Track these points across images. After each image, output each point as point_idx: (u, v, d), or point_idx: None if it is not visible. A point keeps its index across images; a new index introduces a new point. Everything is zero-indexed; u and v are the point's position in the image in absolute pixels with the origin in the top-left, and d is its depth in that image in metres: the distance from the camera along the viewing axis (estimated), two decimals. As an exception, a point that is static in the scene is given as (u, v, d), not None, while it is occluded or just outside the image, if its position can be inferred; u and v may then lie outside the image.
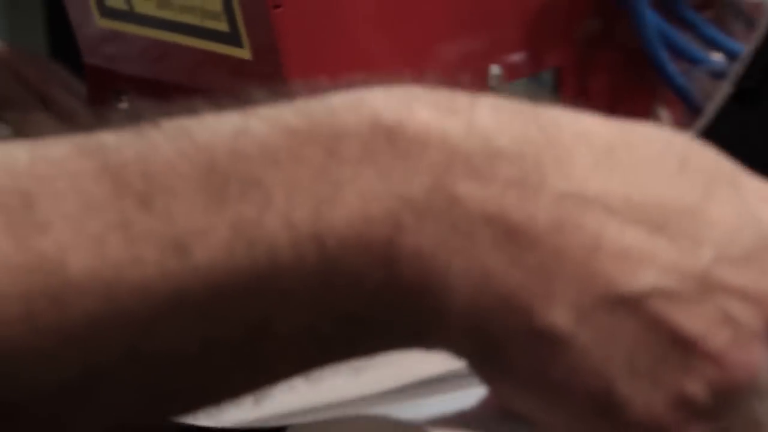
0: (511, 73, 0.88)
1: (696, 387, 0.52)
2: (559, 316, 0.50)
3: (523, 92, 0.90)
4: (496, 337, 0.50)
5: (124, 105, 0.86)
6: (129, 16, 0.82)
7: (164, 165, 0.47)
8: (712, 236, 0.52)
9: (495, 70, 0.87)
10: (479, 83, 0.87)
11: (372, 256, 0.48)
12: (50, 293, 0.45)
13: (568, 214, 0.50)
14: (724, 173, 0.55)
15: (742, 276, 0.52)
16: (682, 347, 0.51)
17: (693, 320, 0.51)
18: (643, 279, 0.50)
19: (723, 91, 0.77)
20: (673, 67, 0.90)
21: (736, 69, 0.76)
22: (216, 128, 0.48)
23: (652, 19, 0.89)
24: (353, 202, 0.48)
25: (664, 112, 0.95)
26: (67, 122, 0.90)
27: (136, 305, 0.46)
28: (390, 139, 0.48)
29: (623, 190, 0.52)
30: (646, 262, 0.51)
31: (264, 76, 0.77)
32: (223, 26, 0.77)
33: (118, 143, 0.48)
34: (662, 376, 0.52)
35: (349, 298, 0.49)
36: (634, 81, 0.94)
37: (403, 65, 0.83)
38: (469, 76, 0.85)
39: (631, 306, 0.51)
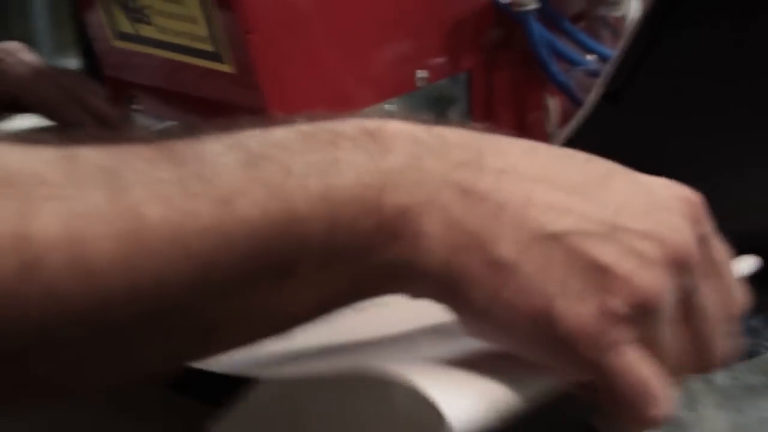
0: (434, 75, 0.87)
1: (614, 302, 0.54)
2: (506, 249, 0.53)
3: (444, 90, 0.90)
4: (460, 271, 0.53)
5: (136, 107, 0.85)
6: (136, 38, 0.81)
7: (210, 152, 0.50)
8: (616, 199, 0.56)
9: (421, 73, 0.86)
10: (409, 84, 0.86)
11: (365, 211, 0.51)
12: (132, 236, 0.46)
13: (506, 181, 0.54)
14: (620, 168, 0.59)
15: (642, 223, 0.56)
16: (601, 272, 0.54)
17: (606, 252, 0.54)
18: (565, 222, 0.54)
19: (595, 91, 0.75)
20: (556, 68, 0.89)
21: (605, 73, 0.75)
22: (248, 133, 0.52)
23: (539, 30, 0.88)
24: (350, 174, 0.51)
25: (552, 103, 0.95)
26: (100, 122, 0.88)
27: (196, 246, 0.48)
28: (374, 137, 0.53)
29: (545, 170, 0.56)
30: (566, 211, 0.55)
31: (244, 86, 0.76)
32: (209, 47, 0.76)
33: (178, 144, 0.51)
34: (588, 294, 0.54)
35: (349, 243, 0.51)
36: (529, 78, 0.94)
37: (351, 68, 0.82)
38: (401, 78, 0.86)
39: (558, 241, 0.54)
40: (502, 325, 0.55)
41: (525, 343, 0.55)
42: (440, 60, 0.88)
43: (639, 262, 0.55)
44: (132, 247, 0.47)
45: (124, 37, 0.81)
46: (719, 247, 0.61)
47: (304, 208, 0.50)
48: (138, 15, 0.78)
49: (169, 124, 0.87)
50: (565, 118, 0.94)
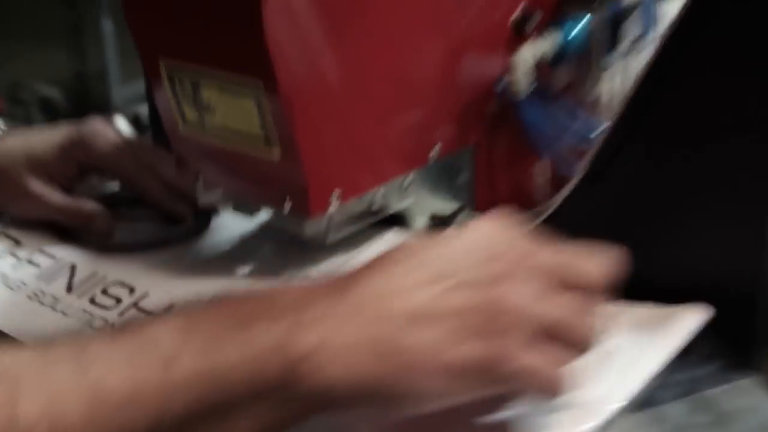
0: (444, 150, 0.88)
1: (493, 326, 0.56)
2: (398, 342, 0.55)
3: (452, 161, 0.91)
4: (374, 380, 0.55)
5: (199, 181, 0.85)
6: (200, 126, 0.81)
7: (153, 329, 0.55)
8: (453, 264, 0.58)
9: (434, 152, 0.87)
10: (423, 158, 0.87)
11: (276, 360, 0.54)
12: (96, 402, 0.51)
13: (372, 300, 0.57)
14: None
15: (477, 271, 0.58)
16: (470, 313, 0.56)
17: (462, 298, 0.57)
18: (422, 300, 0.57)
19: (579, 170, 0.76)
20: (545, 143, 0.90)
21: (588, 156, 0.76)
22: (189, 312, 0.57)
23: (531, 113, 0.89)
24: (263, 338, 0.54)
25: (542, 171, 0.95)
26: (170, 189, 0.88)
27: (146, 402, 0.52)
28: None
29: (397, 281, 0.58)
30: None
31: (288, 168, 0.77)
32: (260, 135, 0.78)
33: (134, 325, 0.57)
34: (471, 334, 0.56)
35: (267, 385, 0.54)
36: (523, 151, 0.94)
37: (377, 148, 0.83)
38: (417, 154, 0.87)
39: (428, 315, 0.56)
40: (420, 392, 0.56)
41: (456, 391, 0.57)
42: (450, 137, 0.88)
43: (487, 289, 0.57)
44: (96, 411, 0.51)
45: (191, 124, 0.82)
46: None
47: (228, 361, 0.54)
48: (204, 107, 0.79)
49: (226, 195, 0.88)
50: (553, 183, 0.94)
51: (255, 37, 0.70)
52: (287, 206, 0.79)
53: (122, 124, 1.93)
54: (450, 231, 0.63)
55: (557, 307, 0.59)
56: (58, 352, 0.53)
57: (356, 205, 0.82)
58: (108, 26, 3.92)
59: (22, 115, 3.48)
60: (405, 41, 0.81)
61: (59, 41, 4.10)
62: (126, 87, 3.89)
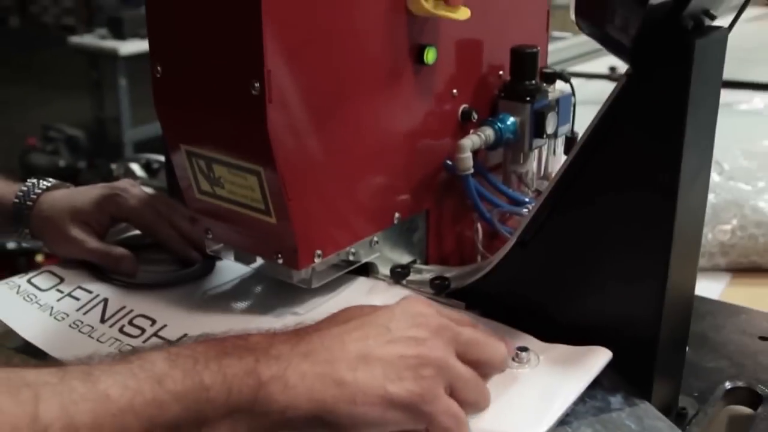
0: (404, 215, 0.91)
1: (423, 371, 0.62)
2: (345, 375, 0.61)
3: (410, 222, 0.94)
4: (323, 403, 0.60)
5: (209, 236, 0.89)
6: (212, 195, 0.84)
7: (149, 354, 0.59)
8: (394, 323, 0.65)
9: (397, 215, 0.91)
10: (388, 222, 0.90)
11: (249, 379, 0.59)
12: (101, 409, 0.55)
13: (330, 340, 0.63)
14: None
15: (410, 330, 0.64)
16: (404, 358, 0.62)
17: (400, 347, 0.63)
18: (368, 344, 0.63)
19: (511, 239, 0.80)
20: (483, 208, 0.94)
21: (518, 228, 0.79)
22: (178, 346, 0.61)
23: (473, 185, 0.92)
24: (237, 360, 0.59)
25: (480, 229, 0.98)
26: (184, 237, 0.90)
27: (141, 411, 0.56)
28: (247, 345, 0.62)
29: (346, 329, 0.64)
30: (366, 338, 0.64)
31: (282, 231, 0.80)
32: (261, 206, 0.80)
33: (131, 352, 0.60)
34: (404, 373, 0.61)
35: (241, 400, 0.58)
36: (465, 213, 0.98)
37: (353, 216, 0.86)
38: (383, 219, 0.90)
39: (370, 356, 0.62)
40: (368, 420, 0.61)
41: (388, 422, 0.61)
42: (409, 204, 0.91)
43: (417, 344, 0.63)
44: (101, 415, 0.54)
45: (204, 193, 0.85)
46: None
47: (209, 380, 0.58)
48: (215, 181, 0.82)
49: (229, 247, 0.91)
50: (488, 239, 0.98)
51: (260, 136, 0.74)
52: (280, 260, 0.83)
53: (137, 169, 1.96)
54: (392, 304, 0.68)
55: (465, 370, 0.65)
56: (71, 369, 0.57)
57: (335, 258, 0.86)
58: (123, 81, 3.96)
59: (51, 150, 3.47)
60: (374, 128, 0.84)
61: (83, 92, 4.12)
62: (136, 130, 3.94)
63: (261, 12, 0.70)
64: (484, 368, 0.68)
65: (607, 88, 0.69)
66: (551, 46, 0.68)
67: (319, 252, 0.82)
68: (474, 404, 0.66)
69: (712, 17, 0.68)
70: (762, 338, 0.92)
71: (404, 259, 0.95)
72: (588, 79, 2.31)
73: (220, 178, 0.82)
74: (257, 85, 0.72)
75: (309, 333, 0.64)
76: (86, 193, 0.98)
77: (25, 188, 0.98)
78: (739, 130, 1.85)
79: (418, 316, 0.66)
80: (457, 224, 0.99)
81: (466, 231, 1.00)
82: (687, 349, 0.87)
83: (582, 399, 0.73)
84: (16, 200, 0.98)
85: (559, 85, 1.00)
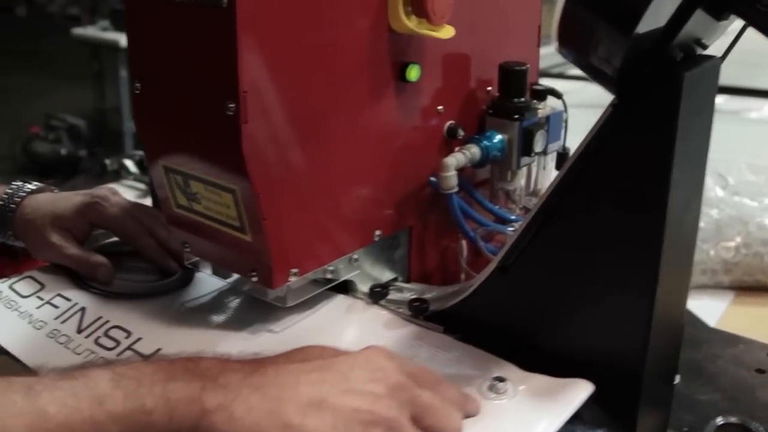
0: (385, 232, 0.89)
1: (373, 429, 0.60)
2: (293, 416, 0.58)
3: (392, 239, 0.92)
4: None
5: (186, 249, 0.86)
6: (189, 210, 0.83)
7: (94, 374, 0.58)
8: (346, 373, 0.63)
9: (378, 232, 0.88)
10: (369, 239, 0.88)
11: (192, 405, 0.57)
12: (37, 424, 0.54)
13: (283, 376, 0.61)
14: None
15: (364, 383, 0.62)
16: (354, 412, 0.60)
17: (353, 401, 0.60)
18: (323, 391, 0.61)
19: (493, 262, 0.78)
20: (467, 227, 0.91)
21: (500, 253, 0.77)
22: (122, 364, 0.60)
23: (458, 202, 0.89)
24: (180, 384, 0.58)
25: (464, 247, 0.96)
26: (163, 246, 0.88)
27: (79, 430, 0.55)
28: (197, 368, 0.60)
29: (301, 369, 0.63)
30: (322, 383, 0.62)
31: (257, 249, 0.78)
32: (236, 223, 0.78)
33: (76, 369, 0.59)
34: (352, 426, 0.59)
35: (183, 425, 0.57)
36: (449, 230, 0.95)
37: (332, 233, 0.83)
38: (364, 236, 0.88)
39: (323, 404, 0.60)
40: None
41: None
42: (391, 221, 0.89)
43: (373, 400, 0.61)
44: (36, 430, 0.53)
45: (181, 207, 0.83)
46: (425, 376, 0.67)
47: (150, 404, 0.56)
48: (192, 196, 0.80)
49: (207, 264, 0.90)
50: (474, 255, 0.95)
51: (235, 156, 0.72)
52: (254, 278, 0.80)
53: (130, 165, 1.93)
54: (355, 352, 0.67)
55: None
56: (15, 381, 0.56)
57: (312, 276, 0.84)
58: (123, 72, 3.93)
59: (53, 139, 3.46)
60: (355, 146, 0.82)
61: (85, 82, 4.11)
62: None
63: (236, 33, 0.68)
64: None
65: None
66: (553, 48, 0.66)
67: (294, 270, 0.80)
68: None
69: (704, 46, 0.66)
70: (759, 371, 0.90)
71: (386, 276, 0.93)
72: (590, 81, 2.24)
73: (197, 194, 0.80)
74: (232, 105, 0.70)
75: (264, 365, 0.62)
76: (68, 200, 0.97)
77: (10, 190, 0.98)
78: (747, 140, 1.80)
79: (379, 371, 0.64)
80: (442, 241, 0.97)
81: (450, 248, 0.98)
82: (679, 379, 0.85)
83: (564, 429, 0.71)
84: (1, 202, 0.97)
85: (552, 101, 0.97)
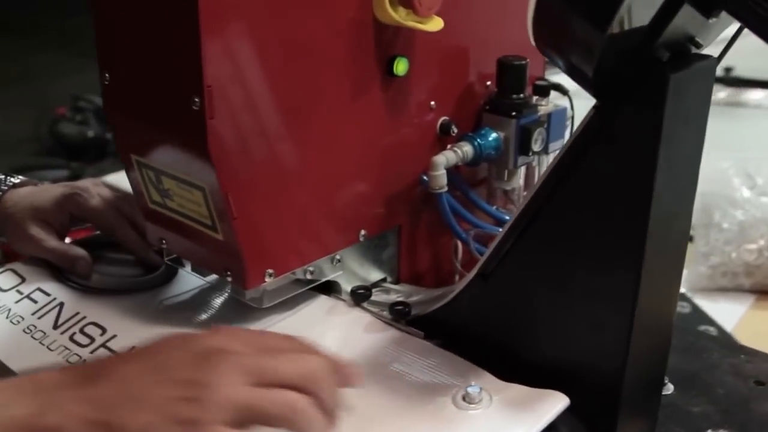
0: (371, 232, 0.86)
1: None
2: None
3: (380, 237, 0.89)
4: None
5: (162, 245, 0.84)
6: (163, 206, 0.80)
7: None
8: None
9: (363, 232, 0.85)
10: (353, 238, 0.85)
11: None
12: None
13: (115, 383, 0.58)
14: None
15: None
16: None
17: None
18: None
19: (474, 270, 0.74)
20: (459, 228, 0.88)
21: (482, 258, 0.74)
22: None
23: (449, 201, 0.86)
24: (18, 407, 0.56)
25: (458, 248, 0.93)
26: (143, 236, 0.84)
27: None
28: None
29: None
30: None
31: (229, 250, 0.75)
32: (208, 222, 0.75)
33: None
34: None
35: None
36: (443, 230, 0.91)
37: (310, 232, 0.80)
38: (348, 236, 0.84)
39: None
40: None
41: None
42: (378, 220, 0.86)
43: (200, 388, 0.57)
44: None
45: (155, 203, 0.81)
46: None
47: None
48: (164, 193, 0.78)
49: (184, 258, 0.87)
50: (469, 256, 0.91)
51: (201, 153, 0.69)
52: (229, 277, 0.77)
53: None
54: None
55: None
56: None
57: (289, 278, 0.81)
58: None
59: (80, 120, 3.45)
60: (336, 143, 0.79)
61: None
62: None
63: (198, 23, 0.65)
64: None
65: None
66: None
67: (270, 271, 0.77)
68: (303, 377, 0.60)
69: (698, 45, 0.61)
70: (758, 383, 0.85)
71: (373, 276, 0.90)
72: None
73: (169, 191, 0.77)
74: (197, 100, 0.67)
75: (98, 372, 0.59)
76: (48, 192, 0.94)
77: None
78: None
79: (213, 356, 0.59)
80: (434, 241, 0.93)
81: (444, 248, 0.94)
82: (673, 389, 0.82)
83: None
84: None
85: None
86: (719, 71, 2.14)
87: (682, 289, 1.37)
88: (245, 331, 0.66)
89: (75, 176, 3.07)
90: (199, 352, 0.59)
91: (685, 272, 1.38)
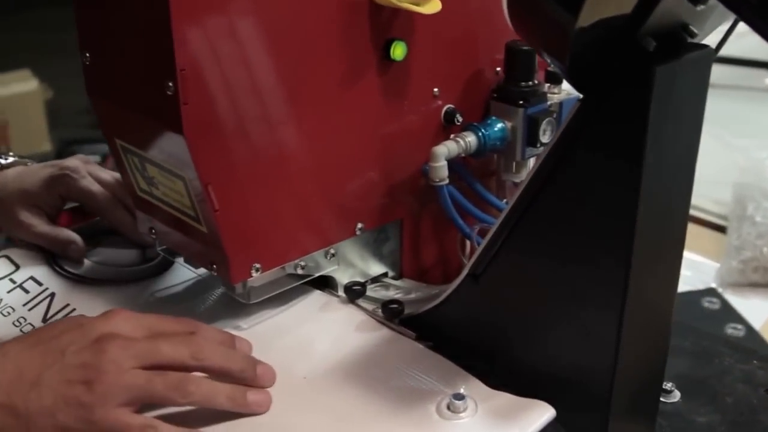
0: (370, 225, 0.82)
1: None
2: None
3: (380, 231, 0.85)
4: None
5: (152, 234, 0.82)
6: (149, 194, 0.78)
7: None
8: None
9: (360, 225, 0.82)
10: (350, 232, 0.82)
11: None
12: None
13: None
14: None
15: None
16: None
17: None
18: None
19: (464, 270, 0.71)
20: (462, 222, 0.83)
21: (473, 258, 0.70)
22: None
23: (451, 194, 0.82)
24: None
25: (465, 243, 0.89)
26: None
27: None
28: None
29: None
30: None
31: (212, 242, 0.73)
32: (191, 212, 0.73)
33: None
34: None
35: None
36: (447, 223, 0.87)
37: (301, 224, 0.77)
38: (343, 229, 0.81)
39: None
40: None
41: None
42: (377, 213, 0.83)
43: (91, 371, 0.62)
44: None
45: (143, 191, 0.79)
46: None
47: None
48: (150, 181, 0.76)
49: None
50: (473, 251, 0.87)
51: (177, 140, 0.66)
52: (214, 271, 0.75)
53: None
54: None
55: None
56: None
57: (278, 272, 0.78)
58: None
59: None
60: (327, 131, 0.75)
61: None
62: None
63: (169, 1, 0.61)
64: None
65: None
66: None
67: (257, 265, 0.75)
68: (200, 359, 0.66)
69: (692, 34, 0.57)
70: (768, 391, 0.80)
71: (374, 270, 0.87)
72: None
73: (154, 179, 0.75)
74: (171, 84, 0.64)
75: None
76: (36, 174, 0.92)
77: None
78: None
79: (104, 340, 0.64)
80: (439, 235, 0.90)
81: (449, 243, 0.91)
82: (679, 397, 0.78)
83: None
84: None
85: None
86: (762, 55, 2.05)
87: (713, 284, 1.32)
88: (139, 315, 0.69)
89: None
90: (93, 338, 0.63)
91: (716, 266, 1.36)
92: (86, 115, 3.66)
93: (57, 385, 0.61)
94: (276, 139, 0.72)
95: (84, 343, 0.63)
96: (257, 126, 0.70)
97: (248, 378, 0.68)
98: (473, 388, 0.69)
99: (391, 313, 0.78)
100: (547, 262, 0.64)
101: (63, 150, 3.11)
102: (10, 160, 0.95)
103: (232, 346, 0.72)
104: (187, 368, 0.66)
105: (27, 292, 0.88)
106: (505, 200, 0.89)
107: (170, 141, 0.68)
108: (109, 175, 0.94)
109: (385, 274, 0.87)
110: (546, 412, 0.66)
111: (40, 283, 0.88)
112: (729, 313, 1.27)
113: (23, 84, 3.35)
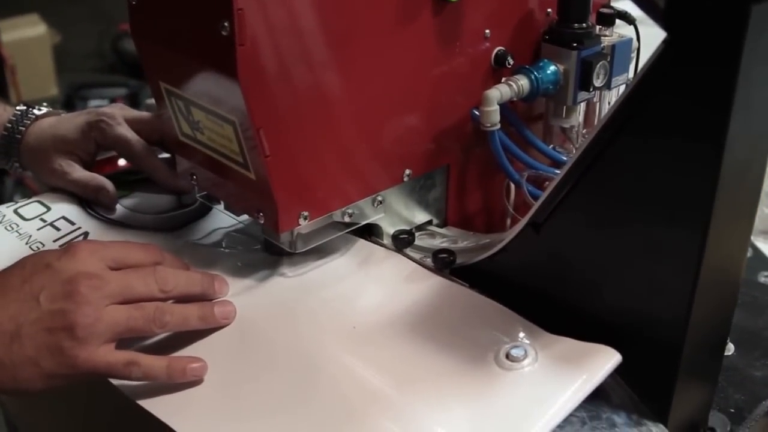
0: (417, 171, 0.81)
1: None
2: None
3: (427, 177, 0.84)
4: None
5: (192, 181, 0.80)
6: (193, 139, 0.77)
7: None
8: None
9: (408, 171, 0.80)
10: (397, 179, 0.80)
11: None
12: None
13: None
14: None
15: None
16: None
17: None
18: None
19: (525, 219, 0.69)
20: (512, 169, 0.82)
21: (534, 206, 0.68)
22: None
23: (502, 140, 0.81)
24: None
25: (511, 191, 0.88)
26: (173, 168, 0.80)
27: None
28: None
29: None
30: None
31: (261, 190, 0.71)
32: (239, 159, 0.72)
33: None
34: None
35: None
36: (495, 170, 0.85)
37: (348, 170, 0.76)
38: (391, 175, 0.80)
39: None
40: None
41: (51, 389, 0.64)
42: (425, 159, 0.81)
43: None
44: None
45: (185, 135, 0.77)
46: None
47: None
48: (195, 125, 0.74)
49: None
50: (520, 200, 0.86)
51: (231, 84, 0.65)
52: (261, 219, 0.74)
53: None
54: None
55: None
56: None
57: (325, 220, 0.76)
58: None
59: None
60: (379, 74, 0.74)
61: None
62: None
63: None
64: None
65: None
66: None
67: (305, 213, 0.73)
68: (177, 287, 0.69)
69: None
70: (826, 343, 0.79)
71: (418, 218, 0.85)
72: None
73: (199, 123, 0.73)
74: (226, 24, 0.62)
75: None
76: (71, 121, 0.91)
77: (14, 117, 0.92)
78: None
79: (75, 281, 0.64)
80: (485, 182, 0.88)
81: (495, 190, 0.89)
82: (733, 350, 0.77)
83: (579, 414, 0.64)
84: (5, 132, 0.92)
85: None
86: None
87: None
88: (102, 246, 0.69)
89: (133, 95, 3.08)
90: (63, 279, 0.64)
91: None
92: (94, 59, 3.65)
93: (37, 334, 0.62)
94: (330, 81, 0.70)
95: (56, 287, 0.64)
96: (311, 68, 0.68)
97: (210, 295, 0.73)
98: (534, 335, 0.68)
99: (443, 263, 0.77)
100: (616, 215, 0.63)
101: (72, 94, 3.10)
102: (44, 110, 0.94)
103: (188, 268, 0.75)
104: (155, 300, 0.68)
105: (58, 230, 0.87)
106: (552, 146, 0.88)
107: (222, 84, 0.66)
108: (143, 122, 0.92)
109: (429, 222, 0.86)
110: (612, 357, 0.64)
111: (72, 223, 0.88)
112: (762, 261, 1.26)
113: (31, 28, 3.33)
